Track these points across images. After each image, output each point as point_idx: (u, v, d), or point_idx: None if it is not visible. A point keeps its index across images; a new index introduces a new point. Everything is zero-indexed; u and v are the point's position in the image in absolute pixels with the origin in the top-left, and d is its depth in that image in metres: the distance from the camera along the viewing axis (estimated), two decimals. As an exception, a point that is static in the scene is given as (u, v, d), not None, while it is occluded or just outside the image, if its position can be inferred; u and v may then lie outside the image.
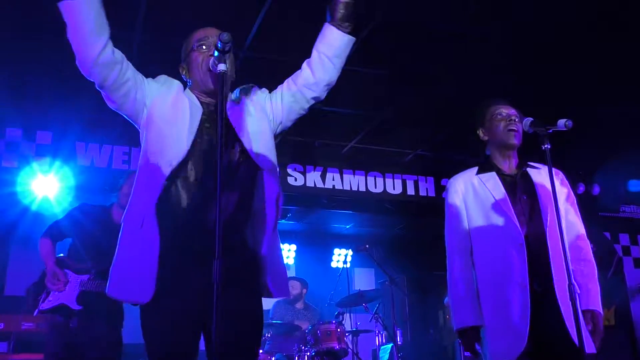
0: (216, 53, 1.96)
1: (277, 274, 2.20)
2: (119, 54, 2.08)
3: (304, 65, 2.33)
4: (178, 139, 2.07)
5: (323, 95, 2.34)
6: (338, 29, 2.24)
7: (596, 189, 7.40)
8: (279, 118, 2.32)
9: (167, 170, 2.02)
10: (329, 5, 2.27)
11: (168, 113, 2.12)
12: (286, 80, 2.36)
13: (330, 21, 2.26)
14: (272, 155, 2.22)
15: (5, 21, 4.28)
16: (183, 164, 2.06)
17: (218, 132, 1.83)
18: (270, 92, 2.37)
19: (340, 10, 2.22)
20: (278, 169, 2.25)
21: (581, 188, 7.19)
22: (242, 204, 2.14)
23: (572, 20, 4.35)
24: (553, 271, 2.55)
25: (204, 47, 2.20)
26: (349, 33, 2.25)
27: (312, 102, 2.34)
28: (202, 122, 2.14)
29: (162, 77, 2.26)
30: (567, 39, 4.59)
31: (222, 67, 1.93)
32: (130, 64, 2.14)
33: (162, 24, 4.29)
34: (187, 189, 2.07)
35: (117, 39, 2.10)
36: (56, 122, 5.90)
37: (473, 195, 2.80)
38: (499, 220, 2.68)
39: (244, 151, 2.15)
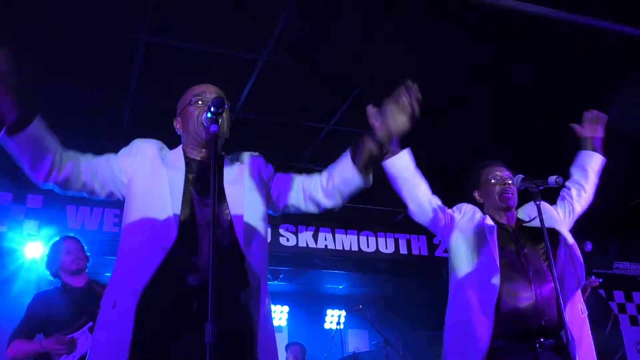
0: (209, 114, 2.00)
1: (267, 341, 2.13)
2: (69, 167, 2.07)
3: (317, 182, 2.31)
4: (165, 218, 2.01)
5: (318, 211, 2.36)
6: (359, 172, 2.22)
7: (588, 246, 7.39)
8: (275, 203, 2.34)
9: (159, 256, 1.96)
10: (362, 140, 2.23)
11: (147, 186, 2.10)
12: (300, 179, 2.35)
13: (355, 159, 2.22)
14: (262, 223, 2.20)
15: None
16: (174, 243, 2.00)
17: (210, 191, 1.84)
18: (276, 171, 2.38)
19: (365, 158, 2.21)
20: (268, 236, 2.23)
21: (573, 245, 7.18)
22: (230, 268, 2.07)
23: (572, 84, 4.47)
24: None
25: (200, 102, 2.23)
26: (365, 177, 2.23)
27: (307, 211, 2.36)
28: (186, 182, 2.12)
29: (134, 146, 2.22)
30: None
31: (214, 128, 1.96)
32: (88, 164, 2.13)
33: (157, 85, 4.35)
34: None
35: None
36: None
37: (476, 227, 2.80)
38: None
39: (233, 217, 2.12)
